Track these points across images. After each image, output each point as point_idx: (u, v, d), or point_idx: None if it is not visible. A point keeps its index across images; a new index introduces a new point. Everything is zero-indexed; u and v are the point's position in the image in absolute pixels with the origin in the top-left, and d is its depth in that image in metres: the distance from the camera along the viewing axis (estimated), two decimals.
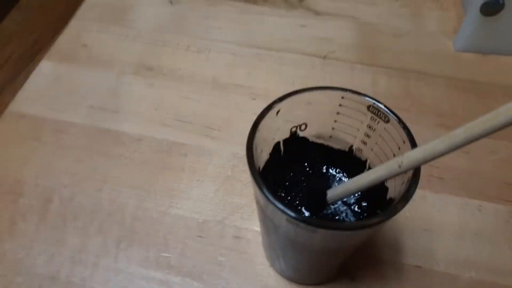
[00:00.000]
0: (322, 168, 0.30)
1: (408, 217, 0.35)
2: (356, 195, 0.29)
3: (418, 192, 0.36)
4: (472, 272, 0.32)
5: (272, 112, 0.25)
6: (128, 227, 0.34)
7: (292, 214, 0.21)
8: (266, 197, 0.21)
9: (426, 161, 0.21)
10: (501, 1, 0.39)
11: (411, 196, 0.22)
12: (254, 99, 0.42)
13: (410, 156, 0.22)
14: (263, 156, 0.27)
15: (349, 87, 0.25)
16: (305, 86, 0.26)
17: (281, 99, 0.25)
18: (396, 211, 0.21)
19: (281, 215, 0.21)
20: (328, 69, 0.45)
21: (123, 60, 0.45)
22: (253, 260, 0.33)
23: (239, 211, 0.35)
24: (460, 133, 0.20)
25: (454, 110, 0.42)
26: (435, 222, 0.35)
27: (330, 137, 0.29)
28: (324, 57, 0.45)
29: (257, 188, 0.22)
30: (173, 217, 0.35)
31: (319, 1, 0.51)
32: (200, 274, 0.32)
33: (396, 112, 0.25)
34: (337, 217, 0.28)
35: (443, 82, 0.44)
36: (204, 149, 0.39)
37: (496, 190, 0.37)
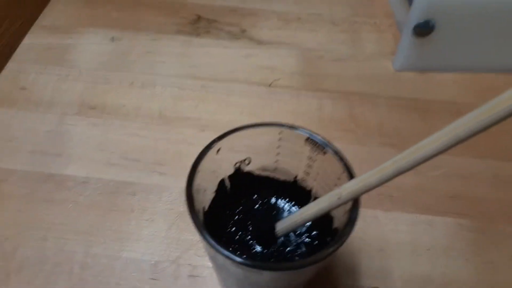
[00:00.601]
0: (270, 200, 0.30)
1: (362, 238, 0.35)
2: (305, 225, 0.29)
3: (370, 212, 0.37)
4: None
5: (212, 151, 0.25)
6: (77, 276, 0.33)
7: (237, 259, 0.20)
8: (209, 244, 0.21)
9: (363, 192, 0.22)
10: (431, 24, 0.41)
11: (352, 225, 0.22)
12: (203, 130, 0.42)
13: (348, 188, 0.22)
14: (207, 195, 0.27)
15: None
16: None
17: (220, 138, 0.25)
18: (339, 243, 0.21)
19: (226, 260, 0.21)
20: (275, 97, 0.45)
21: (65, 101, 0.44)
22: None
23: (193, 248, 0.34)
24: (388, 166, 0.21)
25: (398, 128, 0.43)
26: (388, 241, 0.35)
27: (275, 169, 0.29)
28: (270, 85, 0.46)
29: (199, 235, 0.22)
30: (124, 261, 0.33)
31: (261, 31, 0.52)
32: None
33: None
34: (288, 249, 0.28)
35: (385, 102, 0.45)
36: (153, 186, 0.38)
37: (443, 204, 0.38)
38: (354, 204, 0.23)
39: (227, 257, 0.21)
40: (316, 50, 0.50)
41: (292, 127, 0.25)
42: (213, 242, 0.21)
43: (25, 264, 0.33)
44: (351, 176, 0.23)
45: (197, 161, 0.24)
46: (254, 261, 0.20)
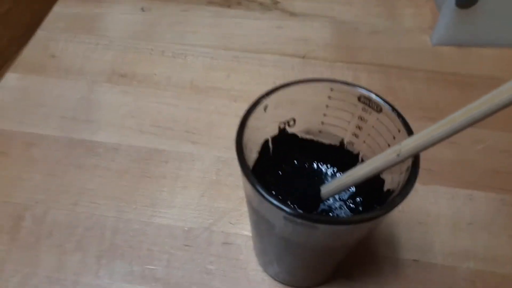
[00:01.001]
0: (313, 164, 0.29)
1: (402, 210, 0.34)
2: (351, 190, 0.28)
3: None
4: (470, 263, 0.32)
5: (260, 108, 0.24)
6: (109, 241, 0.32)
7: (290, 210, 0.19)
8: (261, 194, 0.20)
9: (426, 147, 0.21)
10: None
11: (412, 186, 0.21)
12: (235, 101, 0.41)
13: (409, 144, 0.21)
14: (251, 155, 0.26)
15: None
16: None
17: (268, 93, 0.24)
18: (397, 202, 0.20)
19: (278, 213, 0.20)
20: (308, 69, 0.44)
21: (95, 69, 0.43)
22: (244, 266, 0.31)
23: (226, 216, 0.33)
24: (458, 116, 0.19)
25: (437, 103, 0.41)
26: (428, 214, 0.34)
27: (320, 132, 0.28)
28: (303, 57, 0.45)
29: (250, 187, 0.21)
30: (157, 227, 0.33)
31: (294, 2, 0.51)
32: (189, 285, 0.30)
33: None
34: (332, 214, 0.27)
35: (424, 76, 0.43)
36: (186, 154, 0.37)
37: (485, 179, 0.36)
38: (415, 161, 0.21)
39: (280, 208, 0.19)
40: (351, 23, 0.48)
41: (345, 83, 0.24)
42: (265, 193, 0.20)
43: (55, 228, 0.33)
44: (410, 133, 0.22)
45: (246, 116, 0.23)
46: (308, 213, 0.19)
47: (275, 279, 0.30)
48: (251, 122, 0.23)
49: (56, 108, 0.40)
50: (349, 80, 0.43)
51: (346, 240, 0.23)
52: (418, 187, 0.35)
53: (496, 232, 0.33)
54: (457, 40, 0.45)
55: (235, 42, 0.46)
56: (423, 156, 0.37)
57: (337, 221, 0.19)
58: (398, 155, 0.21)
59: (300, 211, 0.19)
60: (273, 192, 0.27)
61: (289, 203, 0.27)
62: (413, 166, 0.21)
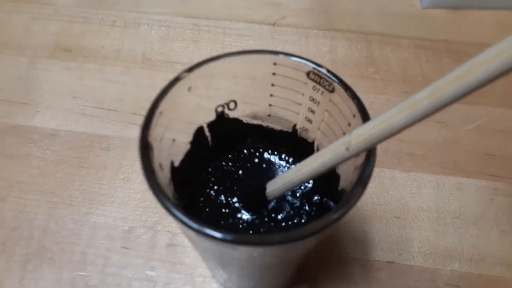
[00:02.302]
0: (262, 155, 0.24)
1: (376, 203, 0.29)
2: (304, 186, 0.23)
3: (387, 173, 0.31)
4: (455, 264, 0.27)
5: (181, 87, 0.19)
6: (37, 243, 0.28)
7: (206, 231, 0.15)
8: (168, 210, 0.15)
9: (383, 138, 0.16)
10: None
11: (364, 185, 0.16)
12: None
13: (360, 134, 0.16)
14: (178, 147, 0.21)
15: (304, 56, 0.19)
16: None
17: (191, 69, 0.19)
18: (346, 208, 0.15)
19: (192, 233, 0.15)
20: (279, 37, 0.38)
21: (37, 43, 0.38)
22: (191, 272, 0.27)
23: None
24: (423, 97, 0.14)
25: (425, 75, 0.36)
26: (408, 207, 0.29)
27: (269, 115, 0.23)
28: (274, 24, 0.39)
29: (156, 198, 0.16)
30: (93, 226, 0.28)
31: None
32: None
33: (358, 80, 0.19)
34: (282, 215, 0.22)
35: (411, 43, 0.38)
36: (131, 140, 0.32)
37: (476, 164, 0.31)
38: (368, 157, 0.16)
39: (191, 228, 0.15)
40: None
41: (290, 55, 0.19)
42: (173, 209, 0.15)
43: None
44: (365, 119, 0.17)
45: (158, 98, 0.18)
46: (231, 234, 0.15)
47: (225, 287, 0.26)
48: (169, 106, 0.19)
49: None
50: (325, 50, 0.37)
51: (291, 256, 0.18)
52: (398, 175, 0.31)
53: (487, 227, 0.29)
54: (450, 1, 0.39)
55: (196, 8, 0.40)
56: (404, 138, 0.32)
57: (263, 241, 0.15)
58: (347, 148, 0.16)
59: (211, 231, 0.15)
60: (210, 191, 0.22)
61: (230, 205, 0.22)
62: (366, 162, 0.16)
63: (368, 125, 0.16)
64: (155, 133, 0.17)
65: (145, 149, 0.16)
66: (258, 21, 0.39)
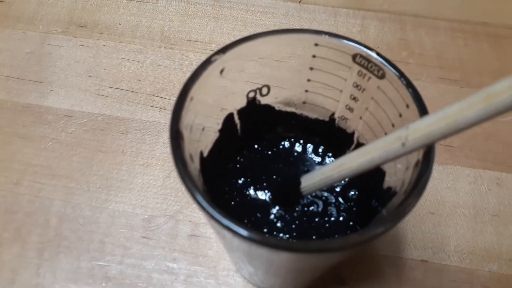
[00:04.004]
0: (295, 146, 0.22)
1: None
2: (343, 181, 0.21)
3: None
4: (493, 265, 0.26)
5: (213, 70, 0.17)
6: (54, 230, 0.27)
7: (242, 232, 0.13)
8: (201, 206, 0.14)
9: (444, 136, 0.14)
10: None
11: (420, 193, 0.14)
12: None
13: (419, 130, 0.14)
14: (207, 135, 0.19)
15: None
16: None
17: (224, 50, 0.17)
18: (399, 217, 0.13)
19: (225, 231, 0.14)
20: (306, 16, 0.36)
21: (50, 18, 0.36)
22: (214, 265, 0.26)
23: None
24: (502, 90, 0.12)
25: (462, 60, 0.34)
26: (443, 203, 0.28)
27: (304, 102, 0.21)
28: (300, 2, 0.37)
29: (187, 192, 0.14)
30: (111, 214, 0.27)
31: None
32: (146, 286, 0.25)
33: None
34: (317, 212, 0.20)
35: (447, 26, 0.35)
36: (151, 124, 0.30)
37: None
38: (426, 156, 0.15)
39: (225, 226, 0.13)
40: None
41: (334, 35, 0.17)
42: (204, 203, 0.14)
43: None
44: (423, 111, 0.15)
45: (189, 83, 0.16)
46: (266, 237, 0.13)
47: (250, 283, 0.25)
48: (201, 90, 0.17)
49: (1, 65, 0.33)
50: (355, 31, 0.35)
51: (326, 263, 0.17)
52: (434, 168, 0.29)
53: None
54: None
55: None
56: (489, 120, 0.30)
57: (305, 248, 0.13)
58: (403, 144, 0.15)
59: (253, 234, 0.13)
60: (240, 184, 0.21)
61: (260, 199, 0.20)
62: (424, 162, 0.14)
63: (429, 119, 0.14)
64: (186, 121, 0.16)
65: (177, 139, 0.15)
66: None
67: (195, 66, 0.33)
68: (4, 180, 0.28)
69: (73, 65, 0.33)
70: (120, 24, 0.35)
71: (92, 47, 0.34)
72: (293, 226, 0.20)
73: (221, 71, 0.17)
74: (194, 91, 0.16)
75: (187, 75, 0.33)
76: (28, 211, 0.27)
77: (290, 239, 0.19)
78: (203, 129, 0.18)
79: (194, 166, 0.17)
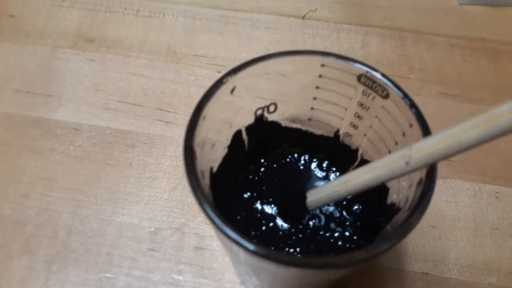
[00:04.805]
0: (300, 161, 0.23)
1: None
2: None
3: None
4: (493, 278, 0.26)
5: (224, 89, 0.18)
6: (62, 242, 0.27)
7: (250, 246, 0.14)
8: (212, 220, 0.14)
9: (447, 156, 0.14)
10: None
11: (425, 208, 0.15)
12: (219, 71, 0.35)
13: (423, 149, 0.15)
14: (217, 151, 0.20)
15: (334, 51, 0.18)
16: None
17: (236, 70, 0.18)
18: (402, 234, 0.14)
19: (234, 246, 0.14)
20: (309, 32, 0.37)
21: (58, 32, 0.37)
22: (219, 277, 0.26)
23: (201, 215, 0.28)
24: (505, 112, 0.13)
25: (461, 75, 0.34)
26: (444, 216, 0.28)
27: (309, 119, 0.22)
28: (304, 17, 0.38)
29: (198, 206, 0.15)
30: (119, 227, 0.28)
31: None
32: None
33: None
34: (322, 227, 0.21)
35: (447, 42, 0.36)
36: (157, 137, 0.31)
37: None
38: (429, 174, 0.15)
39: (235, 241, 0.14)
40: None
41: (341, 57, 0.18)
42: (216, 219, 0.14)
43: (0, 224, 0.28)
44: (426, 131, 0.16)
45: (202, 102, 0.17)
46: (272, 251, 0.14)
47: None
48: (213, 108, 0.17)
49: (11, 78, 0.34)
50: (357, 46, 0.36)
51: (331, 278, 0.17)
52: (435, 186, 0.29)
53: None
54: None
55: None
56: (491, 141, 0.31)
57: (313, 263, 0.14)
58: (407, 163, 0.15)
59: (260, 249, 0.14)
60: (247, 198, 0.21)
61: (267, 213, 0.21)
62: (427, 180, 0.15)
63: (432, 139, 0.15)
64: (199, 138, 0.16)
65: (190, 156, 0.15)
66: (287, 14, 0.38)
67: (201, 80, 0.34)
68: (13, 193, 0.29)
69: (81, 79, 0.34)
70: (127, 38, 0.36)
71: (100, 61, 0.35)
72: (299, 240, 0.21)
73: (232, 90, 0.18)
74: (207, 110, 0.17)
75: (193, 89, 0.34)
76: (37, 223, 0.28)
77: (296, 254, 0.20)
78: (213, 145, 0.19)
79: (205, 182, 0.18)
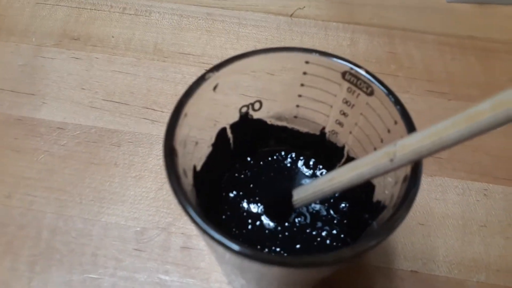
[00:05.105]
0: (287, 159, 0.23)
1: None
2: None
3: None
4: (481, 275, 0.26)
5: (207, 86, 0.17)
6: (46, 243, 0.27)
7: (235, 247, 0.13)
8: (194, 220, 0.14)
9: (431, 152, 0.14)
10: None
11: (410, 205, 0.14)
12: (206, 69, 0.34)
13: (407, 146, 0.15)
14: (200, 149, 0.19)
15: (322, 49, 0.18)
16: None
17: (218, 67, 0.17)
18: (387, 232, 0.14)
19: (219, 247, 0.14)
20: (297, 30, 0.37)
21: (43, 30, 0.36)
22: (206, 277, 0.26)
23: None
24: (484, 110, 0.13)
25: (450, 73, 0.34)
26: (432, 214, 0.28)
27: (295, 117, 0.21)
28: (292, 15, 0.37)
29: (181, 208, 0.14)
30: (104, 227, 0.27)
31: None
32: None
33: (380, 77, 0.17)
34: (308, 225, 0.21)
35: (435, 39, 0.36)
36: (143, 136, 0.31)
37: (503, 169, 0.30)
38: (414, 171, 0.15)
39: (219, 242, 0.14)
40: None
41: (325, 54, 0.17)
42: (199, 220, 0.14)
43: None
44: (410, 127, 0.16)
45: (183, 100, 0.17)
46: (257, 252, 0.13)
47: None
48: (195, 106, 0.17)
49: None
50: (345, 44, 0.36)
51: (317, 276, 0.17)
52: (422, 180, 0.29)
53: None
54: None
55: None
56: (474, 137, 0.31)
57: (297, 263, 0.13)
58: (391, 160, 0.15)
59: (245, 249, 0.13)
60: (232, 197, 0.21)
61: (252, 213, 0.21)
62: (412, 177, 0.15)
63: (416, 136, 0.15)
64: (180, 137, 0.16)
65: (171, 155, 0.15)
66: (274, 11, 0.38)
67: (187, 78, 0.34)
68: None
69: (66, 78, 0.33)
70: (113, 37, 0.36)
71: (85, 60, 0.34)
72: (286, 239, 0.20)
73: (215, 88, 0.18)
74: (188, 108, 0.16)
75: (180, 87, 0.34)
76: (20, 224, 0.27)
77: (282, 253, 0.20)
78: (196, 143, 0.18)
79: (188, 181, 0.17)
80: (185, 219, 0.27)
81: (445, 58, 0.35)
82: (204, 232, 0.14)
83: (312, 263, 0.14)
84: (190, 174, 0.18)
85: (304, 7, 0.38)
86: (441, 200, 0.29)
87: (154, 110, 0.32)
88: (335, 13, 0.37)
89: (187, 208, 0.14)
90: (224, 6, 0.38)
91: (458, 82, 0.34)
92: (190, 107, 0.17)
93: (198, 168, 0.19)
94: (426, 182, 0.29)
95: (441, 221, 0.28)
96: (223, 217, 0.21)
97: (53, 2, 0.38)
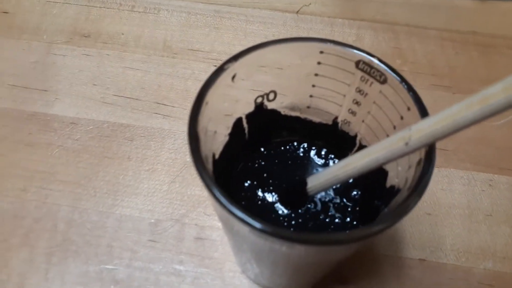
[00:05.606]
0: (300, 149, 0.23)
1: None
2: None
3: None
4: (488, 263, 0.27)
5: (225, 77, 0.18)
6: (62, 235, 0.27)
7: (257, 225, 0.14)
8: (219, 202, 0.15)
9: (444, 135, 0.15)
10: None
11: (424, 188, 0.15)
12: (215, 65, 0.35)
13: (422, 130, 0.15)
14: (218, 138, 0.20)
15: None
16: None
17: (236, 57, 0.18)
18: (404, 212, 0.14)
19: (241, 225, 0.15)
20: (303, 26, 0.37)
21: (54, 28, 0.37)
22: (220, 266, 0.26)
23: (201, 206, 0.28)
24: (496, 92, 0.13)
25: (453, 68, 0.35)
26: (439, 204, 0.29)
27: (308, 107, 0.22)
28: (298, 12, 0.38)
29: (206, 189, 0.15)
30: (118, 219, 0.28)
31: None
32: None
33: None
34: (322, 214, 0.21)
35: (438, 35, 0.37)
36: (155, 130, 0.31)
37: (508, 160, 0.31)
38: (428, 154, 0.16)
39: (243, 220, 0.14)
40: None
41: (339, 43, 0.18)
42: (224, 200, 0.15)
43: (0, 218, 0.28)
44: (423, 113, 0.16)
45: (204, 88, 0.17)
46: (279, 228, 0.14)
47: (256, 283, 0.26)
48: (214, 95, 0.18)
49: (6, 74, 0.34)
50: (351, 40, 0.36)
51: (334, 257, 0.18)
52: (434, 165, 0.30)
53: None
54: None
55: None
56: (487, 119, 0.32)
57: (319, 240, 0.14)
58: (406, 143, 0.16)
59: (267, 226, 0.14)
60: (248, 185, 0.22)
61: (268, 200, 0.21)
62: (426, 160, 0.16)
63: (430, 120, 0.15)
64: (202, 124, 0.17)
65: (195, 141, 0.16)
66: (281, 8, 0.38)
67: (197, 74, 0.35)
68: (11, 187, 0.29)
69: (78, 74, 0.34)
70: (123, 34, 0.36)
71: (96, 57, 0.35)
72: (299, 226, 0.21)
73: (233, 78, 0.18)
74: (209, 97, 0.17)
75: (190, 83, 0.34)
76: (36, 217, 0.28)
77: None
78: (215, 132, 0.19)
79: (208, 168, 0.18)
80: (199, 210, 0.28)
81: (448, 53, 0.36)
82: (229, 212, 0.14)
83: (328, 240, 0.14)
84: (210, 162, 0.19)
85: (310, 4, 0.38)
86: (447, 191, 0.29)
87: (165, 105, 0.32)
88: (340, 9, 0.38)
89: (213, 189, 0.15)
90: (232, 3, 0.38)
91: (461, 76, 0.35)
92: (211, 96, 0.17)
93: (217, 156, 0.20)
94: (433, 173, 0.30)
95: (448, 210, 0.28)
96: (239, 205, 0.22)
97: (62, 0, 0.39)
